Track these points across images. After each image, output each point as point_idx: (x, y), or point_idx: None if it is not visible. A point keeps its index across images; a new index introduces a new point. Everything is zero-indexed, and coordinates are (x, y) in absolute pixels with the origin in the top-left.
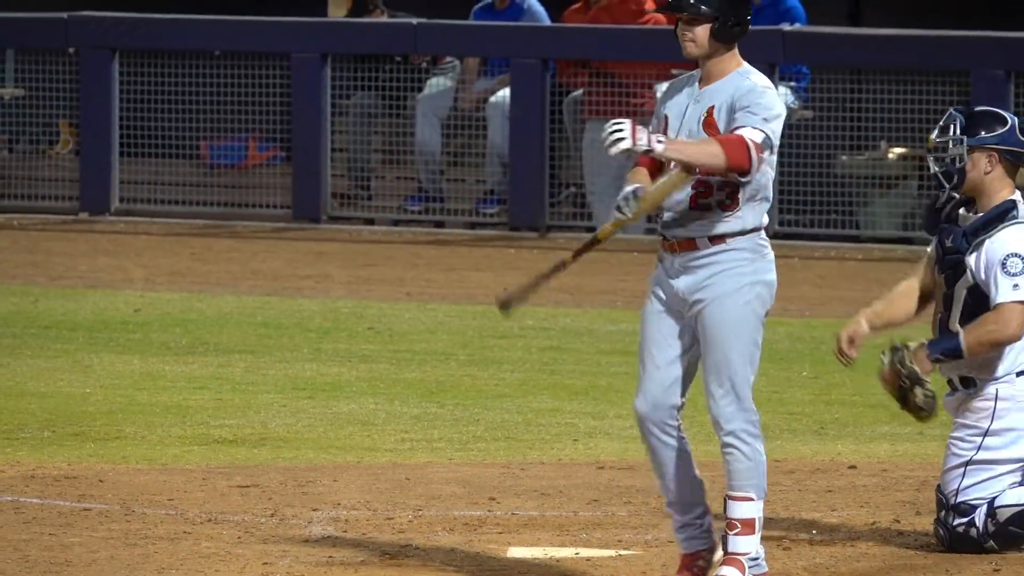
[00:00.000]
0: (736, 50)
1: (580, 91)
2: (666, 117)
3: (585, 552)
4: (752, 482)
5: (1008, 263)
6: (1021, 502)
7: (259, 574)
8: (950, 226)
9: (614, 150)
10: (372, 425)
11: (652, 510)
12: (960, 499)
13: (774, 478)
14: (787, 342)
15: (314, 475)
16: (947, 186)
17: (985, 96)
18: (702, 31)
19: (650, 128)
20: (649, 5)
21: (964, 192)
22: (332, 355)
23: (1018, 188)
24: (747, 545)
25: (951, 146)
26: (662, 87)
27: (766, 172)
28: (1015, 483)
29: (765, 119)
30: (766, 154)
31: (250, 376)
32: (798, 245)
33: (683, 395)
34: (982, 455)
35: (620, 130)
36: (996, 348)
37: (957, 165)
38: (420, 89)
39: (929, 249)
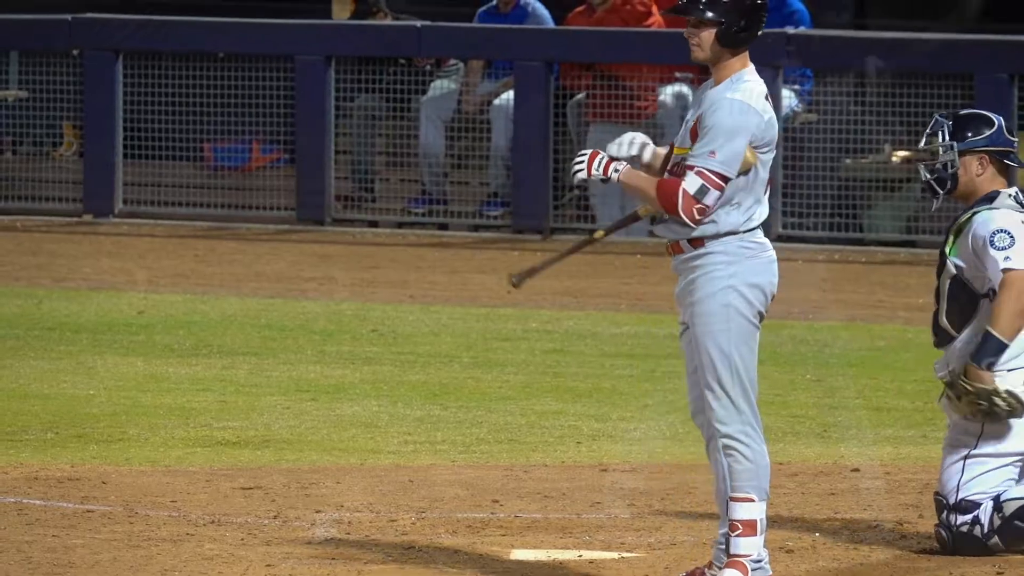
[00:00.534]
0: (744, 55)
1: (583, 94)
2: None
3: (588, 554)
4: (753, 483)
5: (995, 239)
6: None
7: None
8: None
9: (574, 181)
10: (375, 427)
11: (655, 512)
12: (961, 495)
13: (777, 480)
14: (790, 344)
15: (317, 477)
16: (941, 192)
17: (989, 99)
18: (707, 35)
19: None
20: (653, 8)
21: (958, 196)
22: (336, 357)
23: (1021, 191)
24: (749, 547)
25: (941, 152)
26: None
27: (739, 180)
28: (1012, 478)
29: (714, 151)
30: (709, 199)
31: (254, 378)
32: (801, 248)
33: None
34: (981, 449)
35: (580, 161)
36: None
37: (949, 171)
38: (424, 91)
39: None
